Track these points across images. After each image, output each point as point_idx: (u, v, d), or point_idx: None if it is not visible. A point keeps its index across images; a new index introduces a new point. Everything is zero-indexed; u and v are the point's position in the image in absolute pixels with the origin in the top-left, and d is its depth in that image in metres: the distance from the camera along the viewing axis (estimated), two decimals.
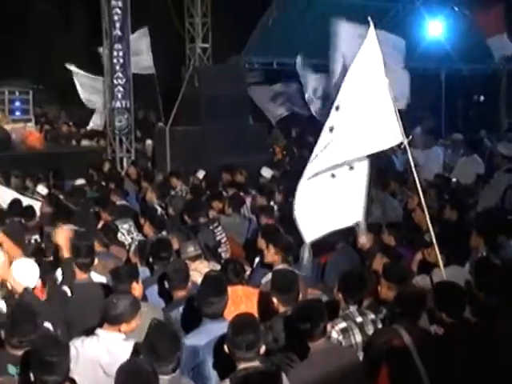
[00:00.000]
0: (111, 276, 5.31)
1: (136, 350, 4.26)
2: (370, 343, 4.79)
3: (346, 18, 12.60)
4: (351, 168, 6.16)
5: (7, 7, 22.34)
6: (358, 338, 4.91)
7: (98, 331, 4.48)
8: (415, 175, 5.96)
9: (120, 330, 4.47)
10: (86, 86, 17.01)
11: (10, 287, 5.15)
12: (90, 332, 4.55)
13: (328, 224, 6.30)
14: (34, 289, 5.10)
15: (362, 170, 6.22)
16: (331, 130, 6.02)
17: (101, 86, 16.17)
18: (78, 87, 17.16)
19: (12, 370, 4.08)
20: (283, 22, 16.85)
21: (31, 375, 3.73)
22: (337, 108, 6.04)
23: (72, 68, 17.06)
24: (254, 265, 7.07)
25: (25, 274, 5.12)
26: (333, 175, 6.17)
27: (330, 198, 6.22)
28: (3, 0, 21.79)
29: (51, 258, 6.68)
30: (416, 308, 4.80)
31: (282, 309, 4.93)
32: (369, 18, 5.85)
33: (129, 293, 4.79)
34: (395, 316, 4.79)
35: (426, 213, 5.87)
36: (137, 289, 5.18)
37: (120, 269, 5.40)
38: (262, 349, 4.08)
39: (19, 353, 4.13)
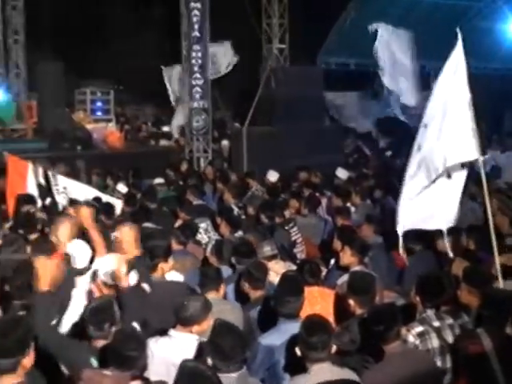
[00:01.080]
0: (200, 276, 5.40)
1: (200, 350, 4.31)
2: (452, 348, 4.71)
3: (427, 17, 12.45)
4: (449, 176, 6.14)
5: (88, 9, 22.93)
6: (435, 342, 4.82)
7: (171, 332, 4.54)
8: (484, 183, 5.84)
9: (192, 331, 4.51)
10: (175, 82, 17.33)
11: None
12: (164, 332, 4.62)
13: (422, 221, 6.28)
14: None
15: (460, 178, 6.17)
16: (419, 148, 6.02)
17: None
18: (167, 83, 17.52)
19: (94, 362, 4.14)
20: (361, 23, 16.72)
21: (110, 368, 3.79)
22: (425, 126, 6.01)
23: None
24: (330, 266, 7.05)
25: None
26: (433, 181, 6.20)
27: (428, 199, 6.21)
28: (85, 2, 22.40)
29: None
30: (506, 311, 4.65)
31: (358, 311, 4.90)
32: (457, 30, 5.73)
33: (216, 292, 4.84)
34: (481, 319, 4.67)
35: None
36: (222, 289, 5.32)
37: (209, 269, 5.48)
38: (333, 348, 4.08)
39: (100, 345, 4.19)
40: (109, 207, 8.69)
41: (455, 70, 5.77)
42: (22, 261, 5.10)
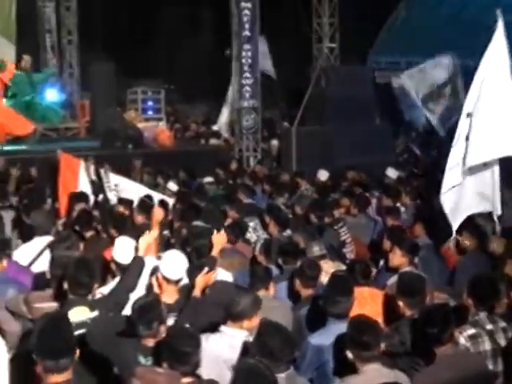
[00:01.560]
0: (250, 275, 5.43)
1: (245, 349, 4.32)
2: (505, 351, 4.64)
3: (478, 14, 12.27)
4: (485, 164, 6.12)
5: (139, 10, 23.20)
6: (487, 345, 4.75)
7: (222, 328, 4.57)
8: None
9: (242, 327, 4.53)
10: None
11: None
12: (213, 329, 4.66)
13: (468, 208, 6.25)
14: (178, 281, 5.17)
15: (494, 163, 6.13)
16: (467, 138, 5.95)
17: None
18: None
19: (143, 360, 4.19)
20: (412, 21, 16.60)
21: (164, 365, 3.83)
22: (468, 115, 5.93)
23: None
24: (379, 266, 7.01)
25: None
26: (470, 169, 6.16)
27: (468, 187, 6.18)
28: (136, 3, 22.67)
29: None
30: None
31: (407, 312, 4.86)
32: (498, 12, 5.62)
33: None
34: None
35: None
36: (272, 288, 5.33)
37: (258, 268, 5.51)
38: (381, 346, 4.07)
39: (150, 343, 4.24)
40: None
41: (496, 55, 5.67)
42: (80, 257, 5.16)
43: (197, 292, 4.95)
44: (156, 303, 4.32)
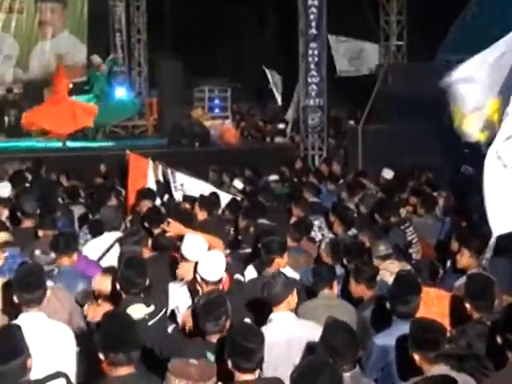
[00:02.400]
0: (313, 274, 5.43)
1: (311, 348, 4.31)
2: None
3: None
4: None
5: (206, 9, 23.40)
6: None
7: (270, 316, 4.61)
8: None
9: (284, 309, 4.60)
10: (277, 83, 17.53)
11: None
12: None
13: None
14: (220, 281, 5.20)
15: None
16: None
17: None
18: (273, 87, 17.74)
19: (211, 357, 4.21)
20: (483, 17, 16.23)
21: (228, 361, 3.86)
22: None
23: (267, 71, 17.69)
24: (446, 267, 6.90)
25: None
26: None
27: None
28: (204, 3, 22.87)
29: (247, 251, 6.89)
30: None
31: (475, 315, 4.76)
32: None
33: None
34: None
35: None
36: (335, 287, 5.35)
37: (322, 267, 5.51)
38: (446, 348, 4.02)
39: (214, 339, 4.27)
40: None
41: None
42: (129, 257, 5.21)
43: None
44: (222, 299, 4.36)
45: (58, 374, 3.74)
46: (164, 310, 4.89)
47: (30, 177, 11.08)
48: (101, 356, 3.75)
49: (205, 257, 5.09)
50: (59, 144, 15.76)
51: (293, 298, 4.63)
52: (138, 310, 4.66)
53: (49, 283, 4.92)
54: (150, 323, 4.63)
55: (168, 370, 3.50)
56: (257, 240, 6.11)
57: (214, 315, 4.26)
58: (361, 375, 4.05)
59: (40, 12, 20.55)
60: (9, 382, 3.47)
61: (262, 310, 4.79)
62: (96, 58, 17.76)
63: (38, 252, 5.19)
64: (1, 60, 19.93)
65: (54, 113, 14.99)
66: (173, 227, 5.93)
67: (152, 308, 4.73)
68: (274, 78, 17.99)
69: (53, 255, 5.26)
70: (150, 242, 6.46)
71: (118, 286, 4.85)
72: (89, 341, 4.88)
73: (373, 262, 6.04)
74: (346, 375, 3.82)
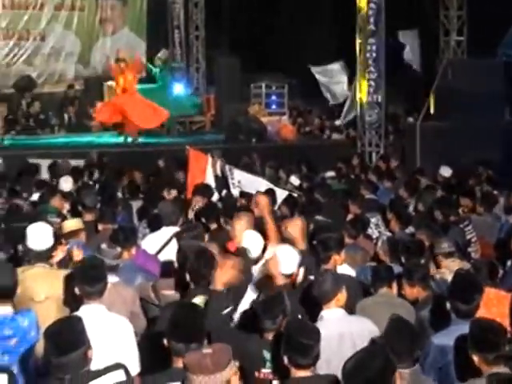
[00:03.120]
0: (372, 274, 5.41)
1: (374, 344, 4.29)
2: None
3: None
4: None
5: (263, 5, 23.41)
6: None
7: (321, 314, 4.59)
8: None
9: (334, 307, 4.58)
10: (327, 83, 17.49)
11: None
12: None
13: None
14: (291, 275, 5.22)
15: None
16: None
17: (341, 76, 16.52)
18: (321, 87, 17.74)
19: (267, 355, 4.24)
20: None
21: (284, 357, 3.88)
22: None
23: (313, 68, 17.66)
24: (506, 267, 6.78)
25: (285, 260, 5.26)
26: None
27: None
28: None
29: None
30: None
31: None
32: None
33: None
34: None
35: None
36: (395, 286, 5.31)
37: (380, 268, 5.51)
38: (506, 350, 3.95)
39: (270, 337, 4.28)
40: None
41: None
42: (201, 249, 5.30)
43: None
44: (281, 297, 4.37)
45: (117, 365, 3.80)
46: (231, 307, 4.88)
47: (90, 172, 11.31)
48: (166, 344, 3.81)
49: (279, 251, 5.13)
50: (120, 139, 16.02)
51: (342, 295, 4.61)
52: (204, 302, 4.72)
53: (114, 278, 5.04)
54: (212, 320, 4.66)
55: (184, 366, 3.43)
56: (313, 236, 6.11)
57: (273, 313, 4.27)
58: (420, 373, 4.02)
59: (101, 9, 20.93)
60: (70, 372, 3.54)
61: (313, 307, 4.78)
62: (160, 54, 18.08)
63: (104, 246, 5.27)
64: (63, 57, 20.37)
65: (131, 108, 15.20)
66: None
67: None
68: (326, 75, 17.94)
69: (118, 249, 5.33)
70: (206, 237, 6.53)
71: (187, 277, 4.95)
72: (148, 333, 5.00)
73: (435, 260, 5.96)
74: (405, 372, 3.80)
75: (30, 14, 20.00)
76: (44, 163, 11.70)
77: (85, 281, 4.44)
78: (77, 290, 4.47)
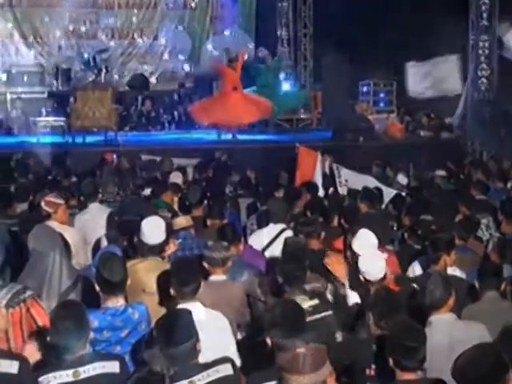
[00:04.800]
0: (477, 275, 5.30)
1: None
2: None
3: None
4: None
5: (372, 3, 23.15)
6: None
7: (430, 319, 4.50)
8: None
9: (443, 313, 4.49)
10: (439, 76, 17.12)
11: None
12: None
13: None
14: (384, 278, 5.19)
15: None
16: None
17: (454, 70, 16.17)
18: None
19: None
20: None
21: (389, 359, 3.85)
22: None
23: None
24: None
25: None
26: None
27: None
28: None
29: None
30: None
31: None
32: None
33: None
34: None
35: None
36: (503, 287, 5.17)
37: (486, 268, 5.37)
38: None
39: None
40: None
41: None
42: (293, 251, 5.28)
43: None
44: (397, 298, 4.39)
45: (224, 359, 3.88)
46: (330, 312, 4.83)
47: (201, 167, 11.53)
48: (268, 342, 3.85)
49: (365, 254, 5.11)
50: (229, 136, 16.25)
51: (452, 300, 4.51)
52: (301, 302, 4.73)
53: (221, 276, 5.15)
54: (311, 318, 4.67)
55: (280, 366, 3.38)
56: (424, 237, 6.03)
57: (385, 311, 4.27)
58: None
59: (212, 7, 21.30)
60: (180, 363, 3.65)
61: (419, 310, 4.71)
62: (262, 51, 18.19)
63: (210, 243, 5.36)
64: (174, 55, 20.88)
65: (223, 105, 15.46)
66: None
67: (316, 302, 4.77)
68: (438, 67, 17.55)
69: (226, 245, 5.40)
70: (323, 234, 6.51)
71: (279, 279, 4.94)
72: (252, 330, 5.07)
73: None
74: None
75: (143, 13, 20.63)
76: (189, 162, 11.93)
77: (179, 281, 4.52)
78: (171, 290, 4.56)
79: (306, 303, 4.70)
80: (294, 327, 3.85)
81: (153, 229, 5.44)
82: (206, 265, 5.18)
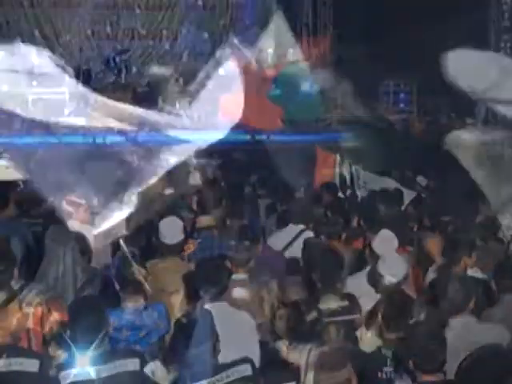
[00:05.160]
0: (493, 275, 5.27)
1: None
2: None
3: None
4: None
5: (392, 5, 23.09)
6: None
7: (450, 321, 4.48)
8: None
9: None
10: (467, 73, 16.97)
11: None
12: None
13: None
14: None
15: None
16: None
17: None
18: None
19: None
20: None
21: (409, 362, 3.84)
22: None
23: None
24: None
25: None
26: None
27: None
28: None
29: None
30: None
31: None
32: None
33: None
34: None
35: None
36: None
37: (502, 268, 5.33)
38: None
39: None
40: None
41: None
42: (328, 249, 5.30)
43: None
44: (408, 300, 4.36)
45: (244, 359, 3.89)
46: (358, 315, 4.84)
47: (219, 168, 11.53)
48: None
49: (386, 256, 5.09)
50: (247, 137, 16.17)
51: (473, 302, 4.51)
52: (329, 302, 4.74)
53: (242, 275, 5.16)
54: (339, 318, 4.67)
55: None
56: (445, 238, 6.00)
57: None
58: None
59: (231, 8, 21.30)
60: (200, 363, 3.66)
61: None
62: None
63: (233, 243, 5.39)
64: (194, 56, 20.89)
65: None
66: None
67: (346, 303, 4.77)
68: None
69: (248, 244, 5.43)
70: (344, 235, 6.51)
71: (313, 277, 4.96)
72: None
73: None
74: None
75: (162, 15, 20.69)
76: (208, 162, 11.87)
77: (205, 282, 4.56)
78: (200, 292, 4.58)
79: (336, 303, 4.72)
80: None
81: (170, 229, 5.46)
82: (228, 264, 5.20)
